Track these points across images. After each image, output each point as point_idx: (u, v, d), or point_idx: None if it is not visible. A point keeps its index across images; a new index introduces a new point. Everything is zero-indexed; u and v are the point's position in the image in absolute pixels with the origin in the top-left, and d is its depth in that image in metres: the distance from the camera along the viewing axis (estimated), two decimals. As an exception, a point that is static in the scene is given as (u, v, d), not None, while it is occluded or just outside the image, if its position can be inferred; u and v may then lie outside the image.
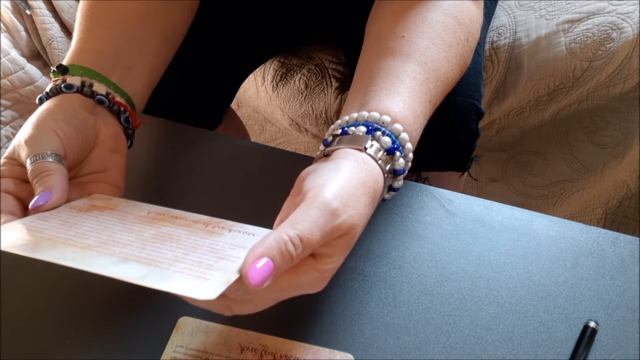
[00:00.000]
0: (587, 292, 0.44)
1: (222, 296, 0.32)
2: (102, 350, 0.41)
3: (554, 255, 0.46)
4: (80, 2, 0.51)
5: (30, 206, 0.37)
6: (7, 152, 0.40)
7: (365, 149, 0.38)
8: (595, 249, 0.46)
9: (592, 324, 0.41)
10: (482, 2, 0.52)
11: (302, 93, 0.92)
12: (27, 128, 0.41)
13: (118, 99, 0.46)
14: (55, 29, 1.07)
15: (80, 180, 0.43)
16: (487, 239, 0.47)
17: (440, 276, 0.45)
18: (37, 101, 0.45)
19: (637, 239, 0.46)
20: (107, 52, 0.47)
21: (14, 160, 0.40)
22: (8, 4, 1.04)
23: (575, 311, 0.42)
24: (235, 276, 0.30)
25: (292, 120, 0.99)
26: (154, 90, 0.52)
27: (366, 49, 0.48)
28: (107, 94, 0.45)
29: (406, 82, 0.42)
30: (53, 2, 1.08)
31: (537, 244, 0.47)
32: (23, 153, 0.39)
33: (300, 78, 0.91)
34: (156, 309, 0.43)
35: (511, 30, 0.87)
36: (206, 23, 0.67)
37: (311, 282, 0.34)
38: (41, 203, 0.37)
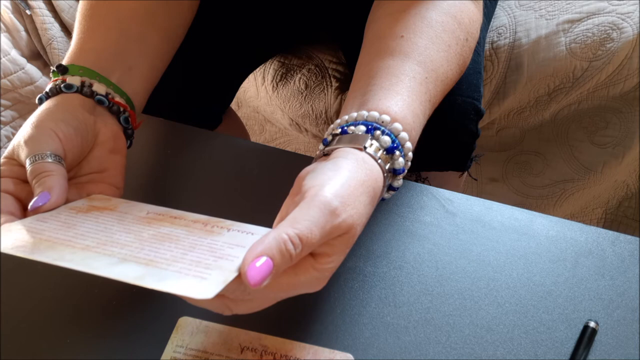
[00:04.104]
0: (587, 292, 0.43)
1: (222, 296, 0.32)
2: (102, 350, 0.41)
3: (554, 255, 0.46)
4: (80, 2, 0.51)
5: (29, 207, 0.37)
6: (6, 152, 0.40)
7: (365, 148, 0.38)
8: (595, 249, 0.46)
9: (592, 324, 0.41)
10: (482, 2, 0.52)
11: (302, 93, 0.92)
12: (26, 128, 0.41)
13: (118, 99, 0.46)
14: (55, 29, 1.07)
15: (79, 181, 0.43)
16: (487, 239, 0.47)
17: (440, 276, 0.45)
18: (36, 101, 0.45)
19: (637, 239, 0.46)
20: (107, 52, 0.47)
21: (14, 160, 0.40)
22: (8, 4, 1.04)
23: (575, 311, 0.42)
24: (234, 275, 0.30)
25: (292, 120, 0.99)
26: (154, 90, 0.52)
27: (365, 48, 0.48)
28: (107, 94, 0.45)
29: (405, 81, 0.42)
30: (53, 2, 1.08)
31: (537, 244, 0.46)
32: (22, 153, 0.39)
33: (300, 78, 0.91)
34: (156, 309, 0.43)
35: (511, 30, 0.87)
36: (206, 23, 0.67)
37: (310, 281, 0.34)
38: (40, 204, 0.37)
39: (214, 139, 0.57)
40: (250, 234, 0.35)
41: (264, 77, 0.94)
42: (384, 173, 0.38)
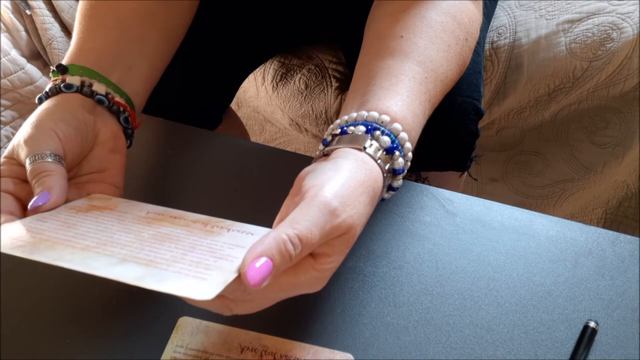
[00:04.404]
0: (587, 292, 0.43)
1: (222, 296, 0.32)
2: (102, 350, 0.41)
3: (554, 255, 0.46)
4: (80, 1, 0.51)
5: (29, 207, 0.37)
6: (6, 152, 0.40)
7: (365, 148, 0.38)
8: (595, 249, 0.46)
9: (592, 324, 0.41)
10: (481, 2, 0.52)
11: (302, 93, 0.92)
12: (26, 128, 0.41)
13: (117, 99, 0.46)
14: (55, 29, 1.07)
15: (79, 180, 0.43)
16: (487, 239, 0.47)
17: (440, 276, 0.45)
18: (36, 101, 0.45)
19: (637, 239, 0.46)
20: (107, 52, 0.47)
21: (14, 160, 0.40)
22: (8, 4, 1.04)
23: (575, 311, 0.42)
24: (234, 276, 0.30)
25: (292, 120, 0.99)
26: (154, 90, 0.52)
27: (365, 48, 0.48)
28: (107, 94, 0.45)
29: (405, 81, 0.42)
30: (53, 2, 1.08)
31: (537, 244, 0.46)
32: (22, 153, 0.39)
33: (300, 78, 0.91)
34: (156, 309, 0.43)
35: (511, 30, 0.87)
36: (206, 23, 0.67)
37: (310, 281, 0.34)
38: (40, 203, 0.37)
39: (214, 139, 0.57)
40: (250, 234, 0.35)
41: (264, 77, 0.94)
42: (383, 173, 0.38)
